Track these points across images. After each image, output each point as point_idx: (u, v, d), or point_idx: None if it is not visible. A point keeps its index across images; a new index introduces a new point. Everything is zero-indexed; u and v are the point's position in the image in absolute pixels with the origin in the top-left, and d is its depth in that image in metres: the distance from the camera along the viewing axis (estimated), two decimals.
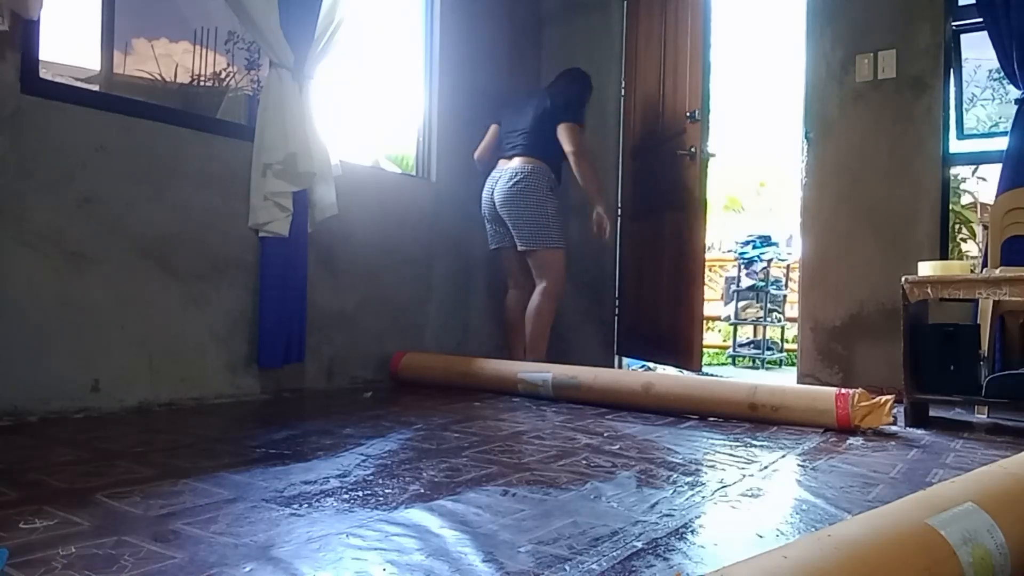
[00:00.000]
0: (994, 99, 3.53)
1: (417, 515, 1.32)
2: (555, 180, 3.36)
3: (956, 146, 3.33)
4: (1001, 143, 3.13)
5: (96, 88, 3.24)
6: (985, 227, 6.01)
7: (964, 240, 8.13)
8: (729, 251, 7.21)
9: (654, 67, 3.78)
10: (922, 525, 0.85)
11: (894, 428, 2.35)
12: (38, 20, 2.23)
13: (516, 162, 3.32)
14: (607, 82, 4.03)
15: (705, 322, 7.89)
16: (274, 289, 2.79)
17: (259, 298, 2.81)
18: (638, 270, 3.91)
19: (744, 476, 1.69)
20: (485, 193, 3.43)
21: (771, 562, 0.74)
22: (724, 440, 2.13)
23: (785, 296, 6.13)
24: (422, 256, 3.62)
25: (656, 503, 1.44)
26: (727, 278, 6.57)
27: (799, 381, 3.45)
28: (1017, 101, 3.03)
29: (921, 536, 0.83)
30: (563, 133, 3.26)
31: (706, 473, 1.71)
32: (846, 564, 0.75)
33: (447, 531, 1.24)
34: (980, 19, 3.11)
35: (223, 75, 3.54)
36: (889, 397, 2.32)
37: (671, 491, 1.54)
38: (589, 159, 3.36)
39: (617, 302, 4.07)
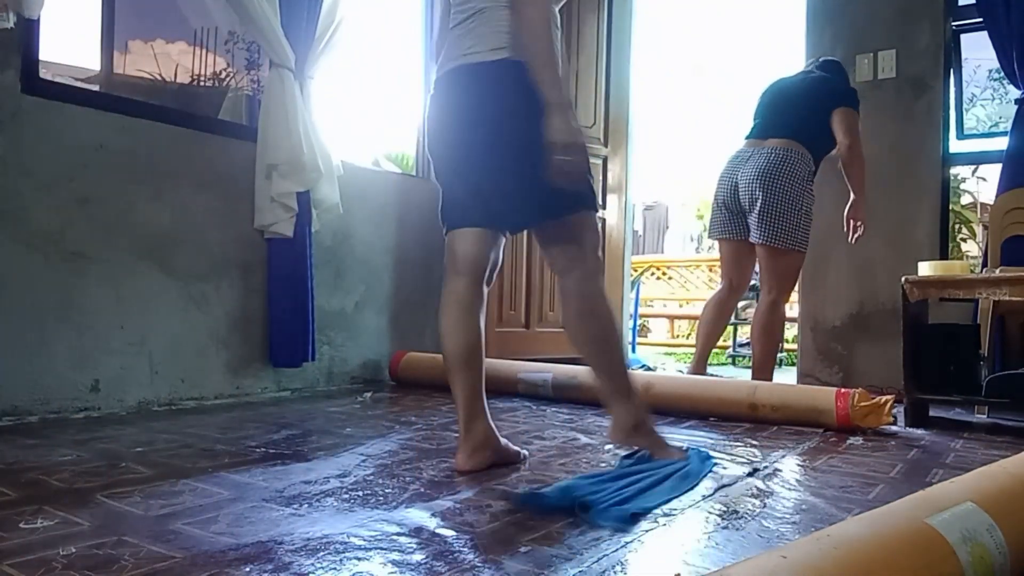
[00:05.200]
0: (994, 99, 3.53)
1: (417, 515, 1.32)
2: (814, 172, 2.95)
3: (956, 146, 3.34)
4: (1001, 143, 3.13)
5: (96, 88, 3.24)
6: (985, 227, 6.01)
7: (964, 240, 8.13)
8: None
9: None
10: (921, 524, 0.85)
11: (894, 428, 2.35)
12: (38, 20, 2.23)
13: (773, 143, 2.90)
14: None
15: None
16: (284, 290, 2.81)
17: (268, 299, 2.82)
18: None
19: (744, 476, 1.69)
20: (724, 175, 3.02)
21: (771, 562, 0.73)
22: (724, 440, 2.13)
23: None
24: (422, 256, 3.61)
25: (656, 503, 1.44)
26: None
27: (799, 381, 3.45)
28: (1017, 101, 3.03)
29: (920, 535, 0.83)
30: (845, 118, 2.87)
31: None
32: (845, 563, 0.75)
33: (447, 531, 1.24)
34: (980, 19, 3.11)
35: (223, 75, 3.54)
36: (889, 397, 2.32)
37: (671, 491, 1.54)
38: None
39: None
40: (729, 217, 3.02)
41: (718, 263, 8.62)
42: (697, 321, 3.40)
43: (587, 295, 1.65)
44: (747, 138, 3.03)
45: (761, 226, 2.87)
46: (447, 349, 1.71)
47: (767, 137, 2.94)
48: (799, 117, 2.91)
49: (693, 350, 3.23)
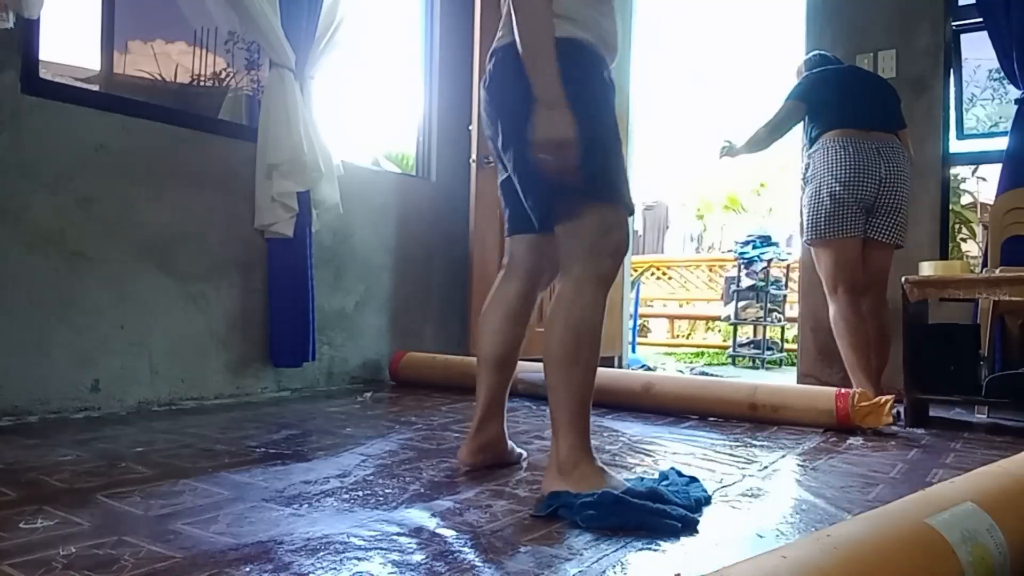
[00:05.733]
0: (994, 99, 3.53)
1: (417, 515, 1.33)
2: None
3: (956, 146, 3.34)
4: (1001, 143, 3.13)
5: (96, 88, 3.24)
6: (985, 227, 6.01)
7: (964, 240, 8.13)
8: (729, 251, 7.20)
9: None
10: (921, 524, 0.85)
11: (894, 428, 2.35)
12: (38, 20, 2.23)
13: (889, 137, 2.66)
14: None
15: (705, 323, 7.93)
16: (284, 290, 2.81)
17: (268, 299, 2.82)
18: None
19: (744, 476, 1.69)
20: (862, 168, 2.59)
21: (771, 562, 0.74)
22: (724, 440, 2.13)
23: (785, 296, 6.13)
24: (422, 256, 3.62)
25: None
26: (727, 278, 6.56)
27: (799, 381, 3.45)
28: (1017, 101, 3.03)
29: (920, 535, 0.83)
30: (907, 139, 2.76)
31: (706, 473, 1.71)
32: (845, 564, 0.75)
33: (447, 531, 1.24)
34: (980, 19, 3.11)
35: (223, 75, 3.53)
36: (889, 397, 2.32)
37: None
38: None
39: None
40: (862, 213, 2.64)
41: (720, 263, 8.56)
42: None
43: (567, 299, 1.42)
44: (849, 127, 2.66)
45: (894, 225, 2.65)
46: (482, 350, 1.67)
47: (873, 128, 2.66)
48: (890, 113, 2.74)
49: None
